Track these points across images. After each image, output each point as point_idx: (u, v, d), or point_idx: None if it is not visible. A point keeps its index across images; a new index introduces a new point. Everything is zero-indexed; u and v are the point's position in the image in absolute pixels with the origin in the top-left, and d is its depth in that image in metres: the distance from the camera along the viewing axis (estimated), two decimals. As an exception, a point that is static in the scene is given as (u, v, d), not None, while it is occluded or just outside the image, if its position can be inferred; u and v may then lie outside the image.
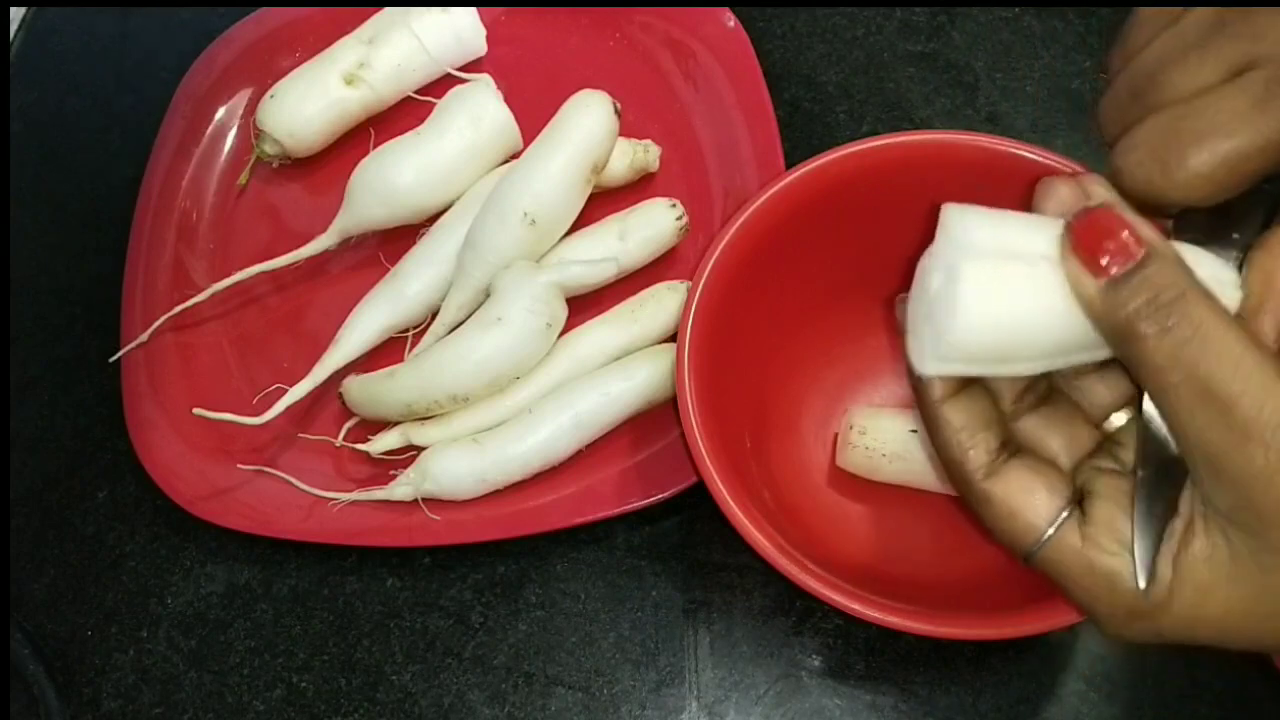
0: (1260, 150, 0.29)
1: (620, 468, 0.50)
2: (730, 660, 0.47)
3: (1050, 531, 0.31)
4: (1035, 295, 0.30)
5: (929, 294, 0.32)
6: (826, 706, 0.46)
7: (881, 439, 0.47)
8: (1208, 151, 0.30)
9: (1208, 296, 0.29)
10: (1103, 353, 0.31)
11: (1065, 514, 0.31)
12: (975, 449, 0.32)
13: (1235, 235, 0.32)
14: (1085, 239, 0.29)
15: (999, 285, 0.30)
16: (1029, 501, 0.32)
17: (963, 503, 0.34)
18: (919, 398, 0.34)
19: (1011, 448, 0.33)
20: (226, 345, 0.55)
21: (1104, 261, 0.29)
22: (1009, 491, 0.32)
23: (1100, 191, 0.31)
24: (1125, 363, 0.30)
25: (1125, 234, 0.29)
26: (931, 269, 0.32)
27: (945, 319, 0.30)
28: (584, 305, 0.52)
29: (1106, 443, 0.34)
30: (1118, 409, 0.34)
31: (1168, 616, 0.30)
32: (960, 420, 0.33)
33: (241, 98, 0.61)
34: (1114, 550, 0.30)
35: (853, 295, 0.50)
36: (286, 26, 0.62)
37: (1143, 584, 0.30)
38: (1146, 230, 0.29)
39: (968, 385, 0.33)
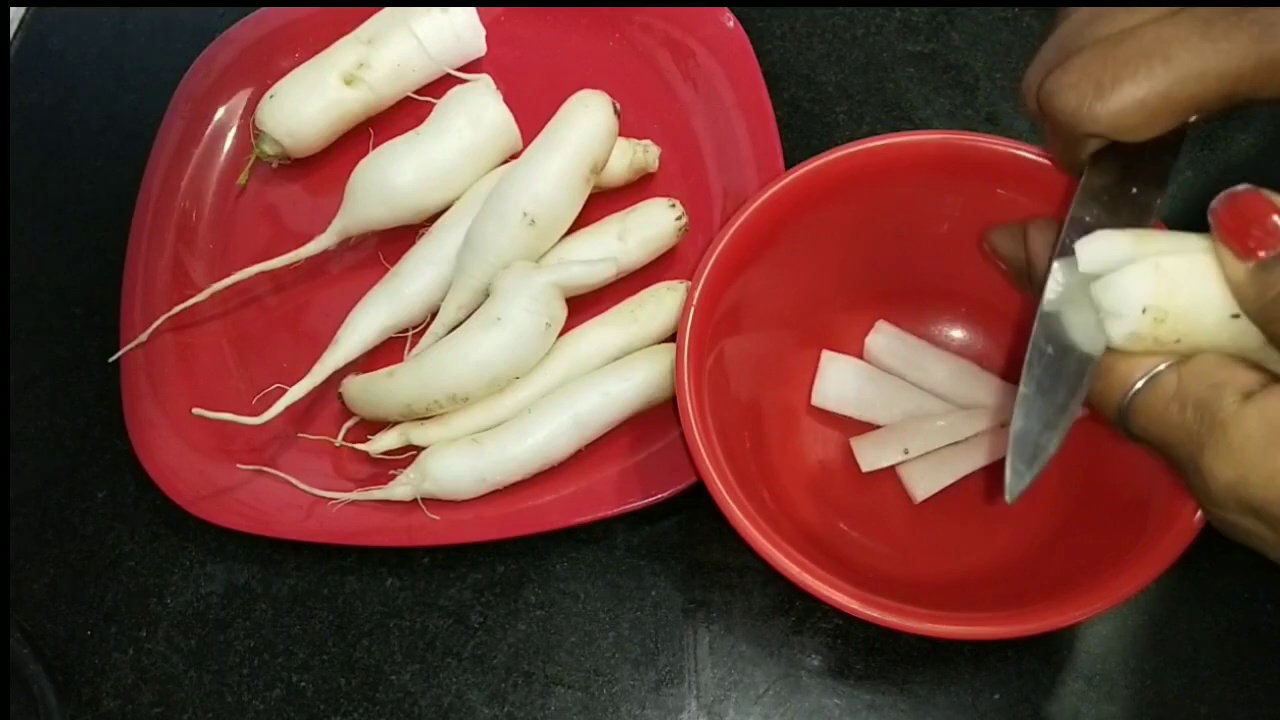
0: (1198, 78, 0.29)
1: (620, 467, 0.50)
2: (730, 660, 0.47)
3: (1142, 382, 0.30)
4: (1195, 280, 0.29)
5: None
6: (826, 706, 0.46)
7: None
8: (1144, 75, 0.29)
9: None
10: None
11: (1160, 367, 0.30)
12: None
13: (1135, 190, 0.32)
14: (1231, 223, 0.28)
15: (1161, 271, 0.29)
16: (1127, 360, 0.30)
17: None
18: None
19: None
20: (226, 345, 0.55)
21: (1252, 245, 0.28)
22: (1112, 357, 0.31)
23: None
24: (1276, 348, 0.29)
25: (1274, 217, 0.28)
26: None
27: (1133, 307, 0.29)
28: (584, 305, 0.52)
29: None
30: None
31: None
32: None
33: (241, 98, 0.61)
34: (1211, 385, 0.29)
35: (852, 294, 0.50)
36: (286, 27, 0.62)
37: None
38: None
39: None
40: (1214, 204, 0.29)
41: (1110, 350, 0.31)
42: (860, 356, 0.51)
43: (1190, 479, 0.30)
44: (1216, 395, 0.29)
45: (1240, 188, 0.29)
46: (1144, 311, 0.29)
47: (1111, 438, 0.41)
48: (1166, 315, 0.29)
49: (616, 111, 0.52)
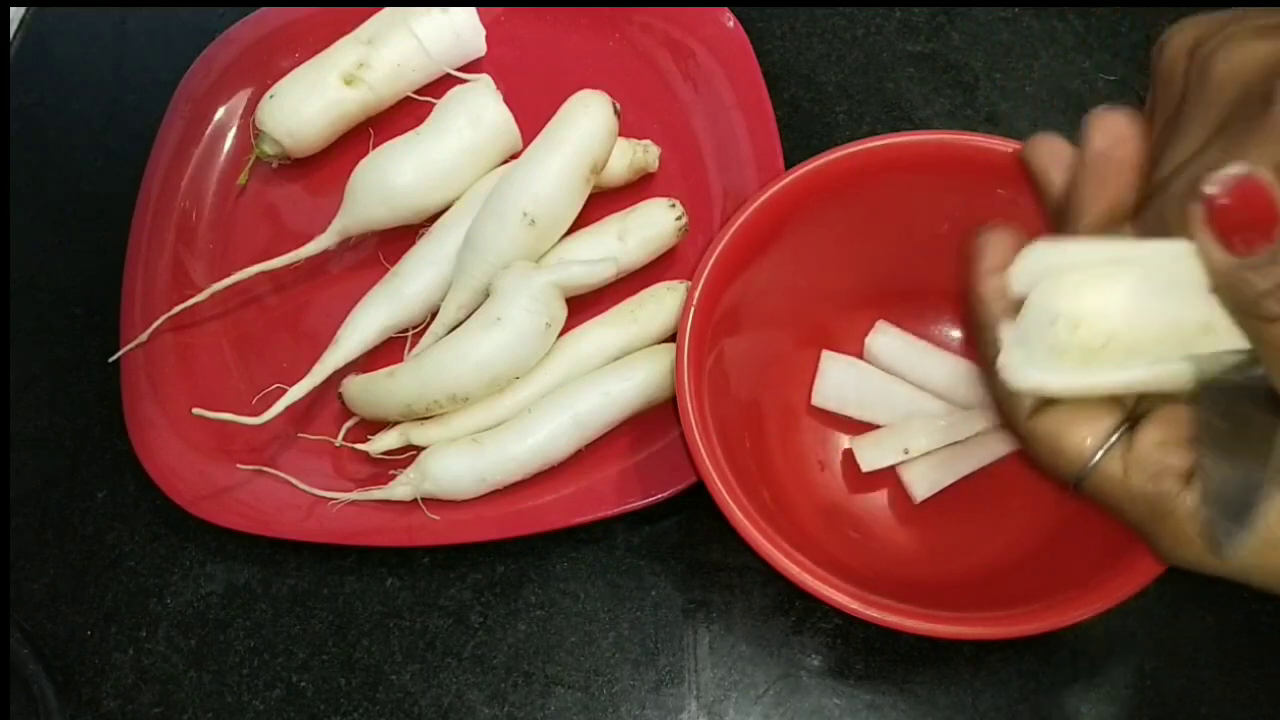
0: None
1: (620, 467, 0.50)
2: (730, 660, 0.47)
3: (1094, 462, 0.31)
4: (1134, 287, 0.29)
5: (1020, 320, 0.31)
6: (826, 706, 0.46)
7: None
8: None
9: None
10: (1213, 346, 0.29)
11: (1112, 440, 0.31)
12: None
13: None
14: (1220, 209, 0.27)
15: (1096, 281, 0.30)
16: (1069, 434, 0.31)
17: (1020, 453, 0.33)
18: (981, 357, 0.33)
19: None
20: (226, 345, 0.55)
21: (1239, 235, 0.27)
22: (1049, 429, 0.31)
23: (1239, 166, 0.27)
24: (1247, 338, 0.28)
25: (1268, 209, 0.26)
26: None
27: (1047, 322, 0.30)
28: (584, 305, 0.52)
29: None
30: None
31: (1230, 560, 0.30)
32: None
33: (241, 98, 0.61)
34: (1152, 476, 0.30)
35: (852, 294, 0.50)
36: (286, 27, 0.62)
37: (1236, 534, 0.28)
38: None
39: None
40: (1205, 184, 0.27)
41: (1051, 412, 0.31)
42: (860, 356, 0.51)
43: (1146, 543, 0.32)
44: (1158, 486, 0.30)
45: (1234, 168, 0.27)
46: (1055, 323, 0.30)
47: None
48: (1080, 322, 0.29)
49: (616, 111, 0.52)
